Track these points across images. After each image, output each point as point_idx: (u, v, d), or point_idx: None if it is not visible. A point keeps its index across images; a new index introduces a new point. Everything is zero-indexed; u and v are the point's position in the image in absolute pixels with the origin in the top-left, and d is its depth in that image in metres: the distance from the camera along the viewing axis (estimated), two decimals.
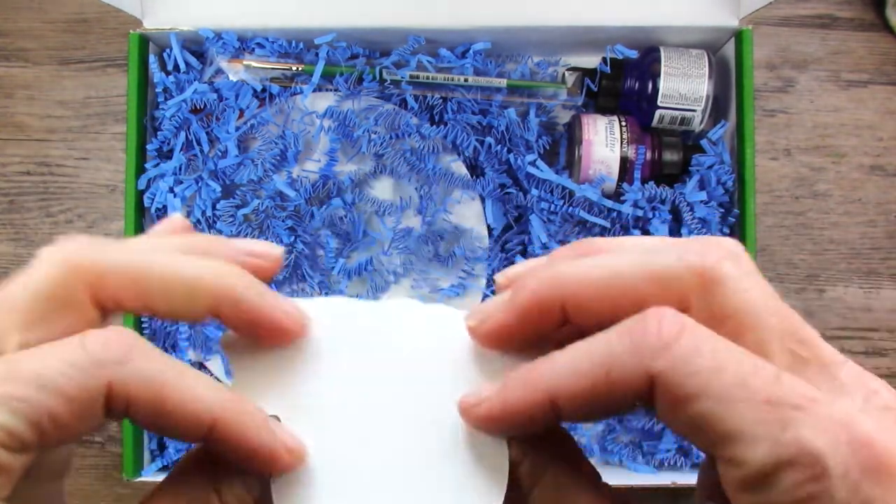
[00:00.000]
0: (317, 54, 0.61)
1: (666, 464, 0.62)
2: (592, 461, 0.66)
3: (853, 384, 0.20)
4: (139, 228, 0.60)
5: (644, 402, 0.20)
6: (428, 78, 0.60)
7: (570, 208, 0.59)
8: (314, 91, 0.60)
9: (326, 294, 0.61)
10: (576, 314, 0.21)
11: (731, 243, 0.21)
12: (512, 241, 0.61)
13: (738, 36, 0.60)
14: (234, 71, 0.60)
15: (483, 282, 0.60)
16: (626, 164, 0.60)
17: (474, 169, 0.62)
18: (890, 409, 0.19)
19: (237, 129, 0.60)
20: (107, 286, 0.21)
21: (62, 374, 0.19)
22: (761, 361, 0.19)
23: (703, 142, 0.61)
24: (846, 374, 0.20)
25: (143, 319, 0.60)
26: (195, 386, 0.20)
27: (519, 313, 0.21)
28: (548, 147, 0.63)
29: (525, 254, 0.61)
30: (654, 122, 0.62)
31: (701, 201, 0.59)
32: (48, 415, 0.19)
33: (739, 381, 0.18)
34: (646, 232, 0.60)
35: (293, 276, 0.61)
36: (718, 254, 0.20)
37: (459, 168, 0.60)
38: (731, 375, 0.18)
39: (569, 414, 0.20)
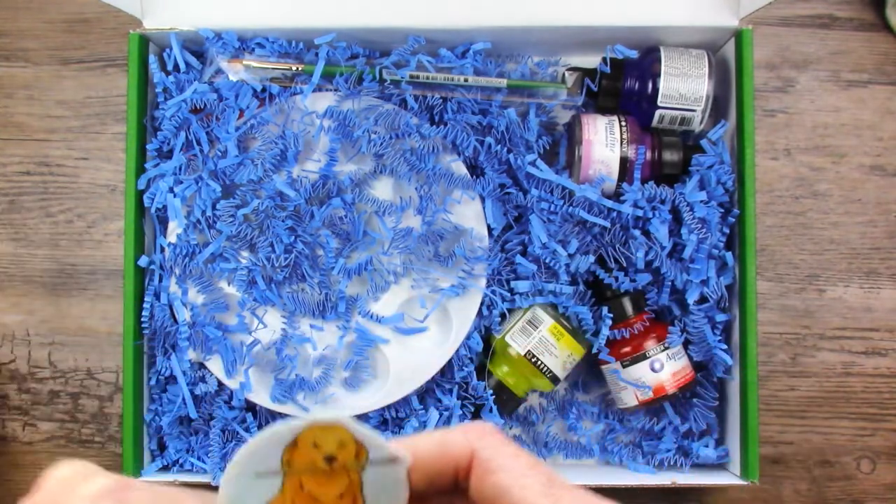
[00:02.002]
0: (317, 54, 0.61)
1: (666, 464, 0.62)
2: (592, 461, 0.66)
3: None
4: (139, 228, 0.60)
5: (461, 480, 0.27)
6: (428, 78, 0.60)
7: (570, 208, 0.59)
8: (314, 91, 0.60)
9: (326, 294, 0.61)
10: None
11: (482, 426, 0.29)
12: (512, 241, 0.61)
13: (738, 36, 0.60)
14: (234, 71, 0.60)
15: (483, 282, 0.60)
16: (626, 164, 0.60)
17: (474, 169, 0.62)
18: None
19: (237, 129, 0.60)
20: None
21: None
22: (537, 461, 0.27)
23: (703, 142, 0.61)
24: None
25: (143, 319, 0.60)
26: None
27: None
28: (548, 147, 0.63)
29: (525, 254, 0.61)
30: (654, 122, 0.62)
31: (701, 201, 0.59)
32: None
33: (530, 464, 0.27)
34: (645, 232, 0.60)
35: (293, 275, 0.61)
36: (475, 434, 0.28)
37: (459, 168, 0.60)
38: (525, 460, 0.27)
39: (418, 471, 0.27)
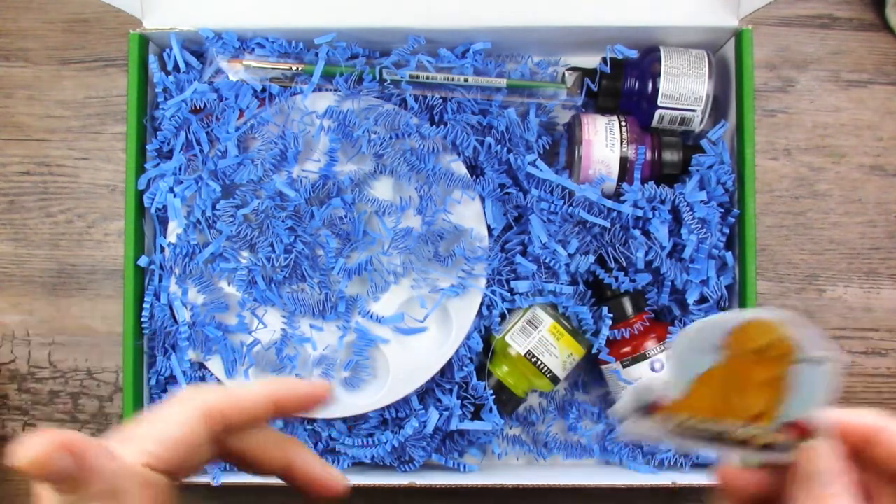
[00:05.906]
0: (317, 54, 0.61)
1: (666, 464, 0.62)
2: (592, 461, 0.66)
3: None
4: (139, 228, 0.60)
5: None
6: (428, 78, 0.60)
7: (570, 208, 0.59)
8: (314, 91, 0.60)
9: (326, 294, 0.61)
10: None
11: None
12: (512, 241, 0.61)
13: (738, 36, 0.60)
14: (234, 71, 0.60)
15: (483, 282, 0.60)
16: (626, 164, 0.60)
17: (474, 169, 0.62)
18: None
19: (237, 129, 0.60)
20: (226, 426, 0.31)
21: None
22: None
23: (703, 142, 0.61)
24: None
25: (143, 319, 0.60)
26: None
27: None
28: (548, 147, 0.63)
29: (525, 254, 0.61)
30: (654, 122, 0.62)
31: (701, 201, 0.59)
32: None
33: None
34: (645, 232, 0.60)
35: (293, 275, 0.61)
36: None
37: (459, 168, 0.60)
38: None
39: None
